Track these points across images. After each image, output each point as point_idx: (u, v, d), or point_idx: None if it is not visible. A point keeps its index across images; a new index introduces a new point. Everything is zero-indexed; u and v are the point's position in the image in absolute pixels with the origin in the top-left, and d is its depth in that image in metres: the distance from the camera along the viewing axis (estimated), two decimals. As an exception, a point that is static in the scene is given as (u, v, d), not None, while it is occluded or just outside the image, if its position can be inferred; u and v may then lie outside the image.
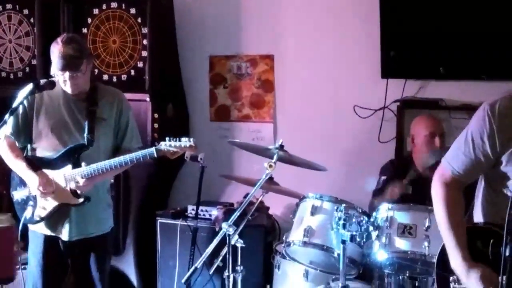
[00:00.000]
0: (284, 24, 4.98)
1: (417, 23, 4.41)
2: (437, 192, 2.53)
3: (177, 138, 3.45)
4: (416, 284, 3.53)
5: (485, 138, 2.37)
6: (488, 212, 2.52)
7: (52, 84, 3.48)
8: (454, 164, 2.49)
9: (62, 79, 3.50)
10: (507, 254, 1.92)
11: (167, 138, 3.46)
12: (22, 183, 3.63)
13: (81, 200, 3.56)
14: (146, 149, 3.49)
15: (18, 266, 4.11)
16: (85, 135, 3.57)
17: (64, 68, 3.45)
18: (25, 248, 3.70)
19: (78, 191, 3.53)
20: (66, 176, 3.54)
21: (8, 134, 3.56)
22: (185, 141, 3.43)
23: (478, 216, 2.58)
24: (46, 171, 3.55)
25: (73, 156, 3.56)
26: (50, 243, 3.65)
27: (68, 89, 3.53)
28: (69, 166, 3.54)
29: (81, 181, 3.48)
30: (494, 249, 2.32)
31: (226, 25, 5.15)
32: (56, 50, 3.47)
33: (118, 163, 3.48)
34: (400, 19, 4.44)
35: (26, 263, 3.80)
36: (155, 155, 3.45)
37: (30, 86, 3.41)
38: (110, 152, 3.67)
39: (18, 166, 3.58)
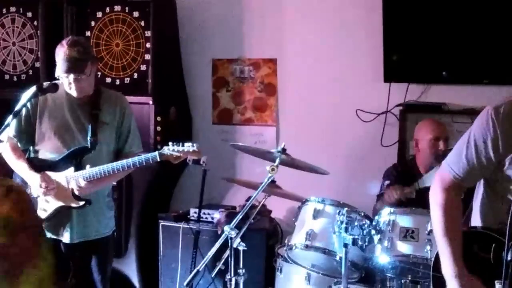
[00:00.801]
0: (287, 28, 4.99)
1: (419, 27, 4.42)
2: (436, 196, 2.51)
3: (181, 143, 3.44)
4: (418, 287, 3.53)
5: (489, 142, 2.36)
6: (486, 216, 2.51)
7: (55, 87, 3.48)
8: (455, 168, 2.47)
9: (66, 82, 3.51)
10: (508, 258, 1.92)
11: (170, 143, 3.45)
12: (24, 184, 3.63)
13: (82, 203, 3.56)
14: (149, 153, 3.49)
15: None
16: (88, 138, 3.57)
17: (68, 71, 3.45)
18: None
19: (80, 194, 3.53)
20: (68, 178, 3.54)
21: (11, 136, 3.57)
22: (188, 146, 3.43)
23: (476, 220, 2.57)
24: (48, 173, 3.56)
25: (75, 159, 3.56)
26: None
27: (72, 92, 3.53)
28: (72, 169, 3.54)
29: (83, 183, 3.48)
30: (496, 253, 2.32)
31: (229, 29, 5.15)
32: (61, 53, 3.47)
33: (120, 166, 3.48)
34: (403, 23, 4.45)
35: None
36: (158, 159, 3.45)
37: (33, 89, 3.42)
38: (112, 155, 3.68)
39: (20, 167, 3.58)
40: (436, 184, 2.54)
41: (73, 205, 3.57)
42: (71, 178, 3.52)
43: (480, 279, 2.36)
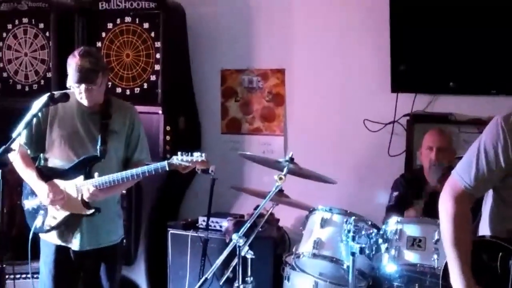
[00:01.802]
0: (295, 38, 4.99)
1: (427, 37, 4.41)
2: (446, 206, 2.48)
3: (189, 153, 3.44)
4: (425, 297, 3.51)
5: (499, 150, 2.35)
6: (495, 225, 2.49)
7: (66, 97, 3.49)
8: (465, 177, 2.45)
9: (77, 92, 3.52)
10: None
11: (179, 153, 3.45)
12: (33, 193, 3.63)
13: (91, 210, 3.56)
14: (158, 163, 3.50)
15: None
16: (98, 147, 3.58)
17: (80, 81, 3.46)
18: (36, 257, 3.69)
19: (89, 201, 3.54)
20: (78, 187, 3.54)
21: (22, 143, 3.58)
22: (197, 156, 3.43)
23: (484, 229, 2.55)
24: (57, 181, 3.56)
25: (85, 167, 3.56)
26: (61, 252, 3.64)
27: (83, 101, 3.54)
28: (81, 177, 3.55)
29: (92, 191, 3.48)
30: (503, 262, 2.30)
31: (237, 39, 5.17)
32: (73, 63, 3.48)
33: (130, 175, 3.49)
34: (410, 34, 4.44)
35: (37, 272, 3.78)
36: (167, 168, 3.45)
37: (44, 98, 3.42)
38: (121, 164, 3.68)
39: (29, 176, 3.59)
40: (445, 193, 2.52)
41: (83, 213, 3.57)
42: (81, 186, 3.53)
43: None
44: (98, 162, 3.57)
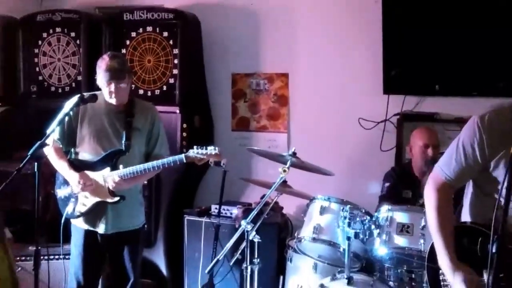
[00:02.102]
0: (298, 46, 4.98)
1: (415, 46, 4.40)
2: (430, 196, 2.49)
3: (204, 147, 3.45)
4: (413, 277, 3.51)
5: (476, 146, 2.35)
6: (475, 213, 2.49)
7: (95, 97, 3.50)
8: (446, 170, 2.46)
9: (107, 91, 3.53)
10: (493, 250, 1.90)
11: (195, 147, 3.46)
12: (66, 182, 3.65)
13: (117, 198, 3.57)
14: (176, 156, 3.50)
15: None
16: (123, 141, 3.59)
17: (111, 79, 3.48)
18: (67, 241, 3.71)
19: (115, 190, 3.55)
20: (105, 177, 3.55)
21: (55, 139, 3.60)
22: (211, 149, 3.44)
23: (465, 216, 2.54)
24: (86, 172, 3.58)
25: (111, 160, 3.57)
26: (89, 236, 3.66)
27: (112, 100, 3.55)
28: (108, 169, 3.56)
29: (118, 180, 3.49)
30: (482, 246, 2.30)
31: (246, 47, 5.16)
32: (103, 65, 3.50)
33: (151, 167, 3.49)
34: (400, 43, 4.43)
35: (68, 254, 3.80)
36: (184, 161, 3.46)
37: (75, 99, 3.44)
38: (143, 158, 3.69)
39: (62, 167, 3.61)
40: (429, 185, 2.52)
41: (109, 200, 3.58)
42: (107, 177, 3.54)
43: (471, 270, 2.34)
44: (123, 155, 3.58)
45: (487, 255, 1.95)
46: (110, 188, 3.53)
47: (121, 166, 3.52)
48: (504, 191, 1.99)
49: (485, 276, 2.18)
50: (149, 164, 3.50)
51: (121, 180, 3.50)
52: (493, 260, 1.90)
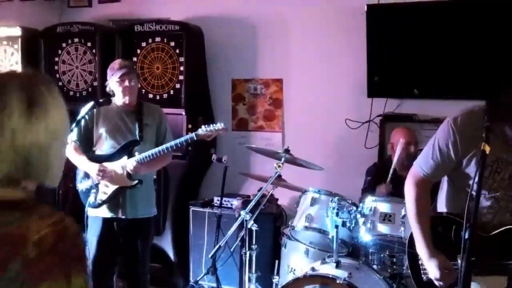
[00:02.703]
0: (291, 55, 4.98)
1: (395, 54, 4.41)
2: (409, 190, 2.49)
3: (211, 124, 3.46)
4: (394, 261, 3.51)
5: (450, 146, 2.35)
6: (450, 204, 2.50)
7: (109, 101, 3.52)
8: (424, 167, 2.46)
9: (120, 90, 3.53)
10: (466, 237, 1.90)
11: (203, 126, 3.47)
12: (86, 176, 3.65)
13: (135, 181, 3.56)
14: (188, 135, 3.50)
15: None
16: (137, 133, 3.59)
17: (125, 74, 3.49)
18: (84, 230, 3.70)
19: (133, 173, 3.52)
20: (123, 165, 3.54)
21: (74, 139, 3.59)
22: (218, 125, 3.45)
23: (441, 207, 2.55)
24: (105, 163, 3.57)
25: (128, 149, 3.57)
26: (107, 225, 3.65)
27: (126, 98, 3.55)
28: (125, 157, 3.55)
29: (136, 164, 3.47)
30: (456, 233, 2.30)
31: (245, 55, 5.15)
32: (116, 65, 3.53)
33: (165, 148, 3.48)
34: (382, 52, 4.44)
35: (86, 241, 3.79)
36: (195, 138, 3.46)
37: (91, 103, 3.44)
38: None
39: (81, 161, 3.60)
40: (409, 180, 2.52)
41: (128, 184, 3.56)
42: (126, 162, 3.52)
43: (444, 255, 2.35)
44: (138, 144, 3.57)
45: (460, 241, 1.95)
46: (129, 171, 3.50)
47: (136, 153, 3.51)
48: (475, 186, 1.99)
49: (459, 261, 2.19)
50: (163, 147, 3.49)
51: (138, 164, 3.48)
52: (465, 245, 1.91)
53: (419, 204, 2.44)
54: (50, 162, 1.26)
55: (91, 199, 3.61)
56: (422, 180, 2.47)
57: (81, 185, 3.70)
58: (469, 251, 1.90)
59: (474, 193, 2.00)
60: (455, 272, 2.26)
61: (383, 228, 3.39)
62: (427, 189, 2.49)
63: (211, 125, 3.45)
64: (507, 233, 2.21)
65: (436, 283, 2.33)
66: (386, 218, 3.39)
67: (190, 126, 4.84)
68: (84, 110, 3.48)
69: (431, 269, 2.32)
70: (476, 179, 2.05)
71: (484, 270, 2.20)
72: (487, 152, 1.98)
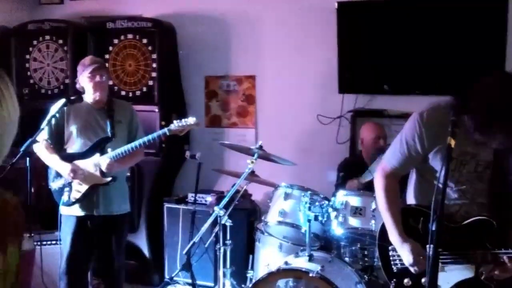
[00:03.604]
0: (263, 51, 4.98)
1: (365, 52, 4.46)
2: (378, 182, 2.52)
3: (183, 119, 3.44)
4: (365, 253, 3.54)
5: (416, 139, 2.38)
6: (418, 196, 2.53)
7: (80, 99, 3.49)
8: (392, 160, 2.49)
9: (91, 86, 3.49)
10: (433, 228, 1.93)
11: (175, 121, 3.44)
12: (59, 175, 3.60)
13: (109, 179, 3.52)
14: (160, 130, 3.47)
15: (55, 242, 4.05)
16: (109, 130, 3.55)
17: (96, 69, 3.46)
18: (58, 228, 3.65)
19: (107, 171, 3.48)
20: (96, 162, 3.50)
21: (45, 138, 3.54)
22: (190, 120, 3.43)
23: (410, 199, 2.59)
24: (77, 161, 3.52)
25: (100, 147, 3.53)
26: (81, 223, 3.61)
27: (96, 94, 3.52)
28: (98, 155, 3.51)
29: (109, 161, 3.44)
30: (424, 224, 2.34)
31: (218, 52, 5.14)
32: (86, 61, 3.51)
33: (138, 144, 3.45)
34: (353, 49, 4.47)
35: (60, 239, 3.74)
36: (168, 133, 3.43)
37: (62, 101, 3.40)
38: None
39: (52, 160, 3.55)
40: (378, 173, 2.55)
41: (102, 182, 3.52)
42: (100, 160, 3.48)
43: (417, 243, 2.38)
44: (110, 141, 3.54)
45: (428, 232, 1.98)
46: (103, 169, 3.47)
47: (109, 150, 3.48)
48: (442, 178, 2.03)
49: (427, 250, 2.23)
50: (136, 142, 3.46)
51: (112, 161, 3.44)
52: (433, 236, 1.94)
53: (388, 194, 2.47)
54: (5, 147, 1.30)
55: (64, 197, 3.56)
56: (391, 173, 2.50)
57: (54, 184, 3.65)
58: (437, 241, 1.93)
59: (441, 185, 2.03)
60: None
61: (354, 222, 3.43)
62: (396, 181, 2.52)
63: (183, 120, 3.43)
64: (474, 223, 2.25)
65: (411, 269, 2.36)
66: (357, 211, 3.42)
67: (163, 123, 4.79)
68: (55, 108, 3.43)
69: (405, 254, 2.35)
70: (443, 173, 2.10)
71: (452, 260, 2.23)
72: (453, 146, 2.01)
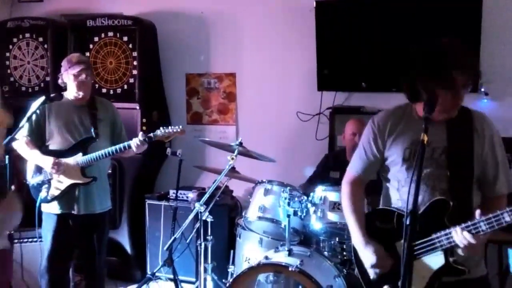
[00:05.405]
0: (243, 49, 4.99)
1: (343, 50, 4.49)
2: (344, 188, 2.57)
3: (169, 126, 3.44)
4: (344, 247, 3.56)
5: (371, 142, 2.46)
6: (386, 200, 2.53)
7: (60, 96, 3.46)
8: (355, 167, 2.54)
9: (75, 84, 3.47)
10: (407, 223, 1.95)
11: (161, 127, 3.44)
12: (38, 171, 3.56)
13: (89, 179, 3.50)
14: (145, 135, 3.45)
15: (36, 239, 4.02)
16: (92, 130, 3.53)
17: (83, 70, 3.44)
18: (40, 225, 3.62)
19: (86, 172, 3.47)
20: (79, 161, 3.48)
21: (25, 135, 3.50)
22: (176, 127, 3.44)
23: (380, 204, 2.62)
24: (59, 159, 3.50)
25: (83, 146, 3.51)
26: (61, 221, 3.57)
27: (80, 93, 3.49)
28: (80, 154, 3.49)
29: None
30: (398, 221, 2.35)
31: (198, 50, 5.13)
32: (73, 59, 3.48)
33: (122, 146, 3.44)
34: (331, 48, 4.51)
35: (40, 237, 3.69)
36: (153, 139, 3.43)
37: (42, 98, 3.37)
38: (109, 145, 3.59)
39: (34, 155, 3.51)
40: (344, 179, 2.60)
41: (82, 181, 3.50)
42: (81, 161, 3.46)
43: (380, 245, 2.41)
44: (94, 142, 3.52)
45: (402, 227, 2.00)
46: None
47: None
48: (401, 173, 2.12)
49: (398, 247, 2.27)
50: (121, 145, 3.44)
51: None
52: (407, 231, 1.96)
53: (352, 199, 2.52)
54: None
55: (42, 194, 3.52)
56: (355, 179, 2.56)
57: (33, 180, 3.61)
58: (411, 236, 1.95)
59: (409, 179, 2.08)
60: (391, 260, 2.33)
61: (332, 216, 3.44)
62: (361, 187, 2.58)
63: (170, 127, 3.44)
64: (432, 207, 2.26)
65: (372, 271, 2.39)
66: (335, 206, 3.44)
67: (144, 120, 4.80)
68: (35, 105, 3.40)
69: (367, 256, 2.37)
70: (401, 164, 2.30)
71: (421, 250, 2.25)
72: (425, 143, 2.04)
